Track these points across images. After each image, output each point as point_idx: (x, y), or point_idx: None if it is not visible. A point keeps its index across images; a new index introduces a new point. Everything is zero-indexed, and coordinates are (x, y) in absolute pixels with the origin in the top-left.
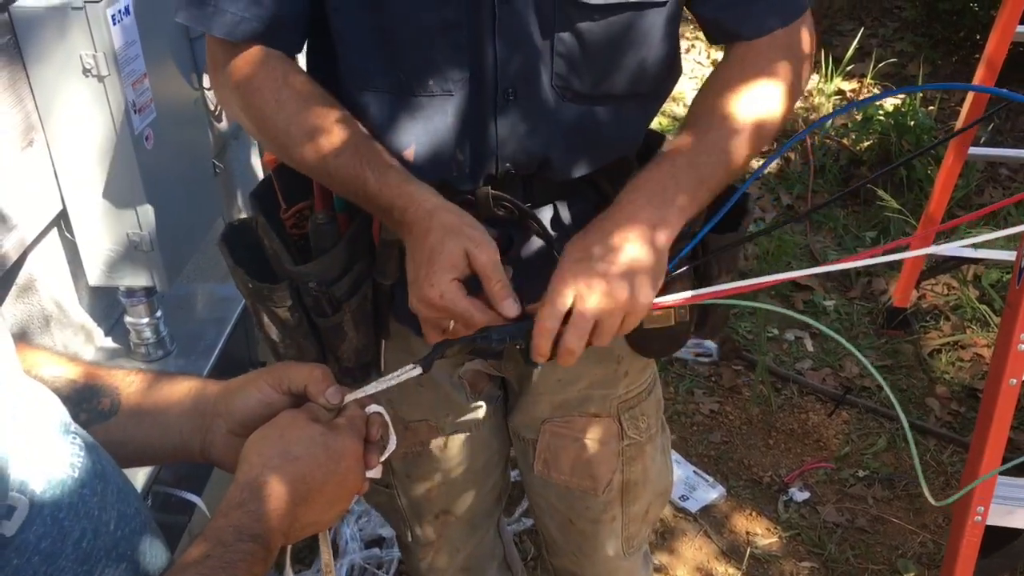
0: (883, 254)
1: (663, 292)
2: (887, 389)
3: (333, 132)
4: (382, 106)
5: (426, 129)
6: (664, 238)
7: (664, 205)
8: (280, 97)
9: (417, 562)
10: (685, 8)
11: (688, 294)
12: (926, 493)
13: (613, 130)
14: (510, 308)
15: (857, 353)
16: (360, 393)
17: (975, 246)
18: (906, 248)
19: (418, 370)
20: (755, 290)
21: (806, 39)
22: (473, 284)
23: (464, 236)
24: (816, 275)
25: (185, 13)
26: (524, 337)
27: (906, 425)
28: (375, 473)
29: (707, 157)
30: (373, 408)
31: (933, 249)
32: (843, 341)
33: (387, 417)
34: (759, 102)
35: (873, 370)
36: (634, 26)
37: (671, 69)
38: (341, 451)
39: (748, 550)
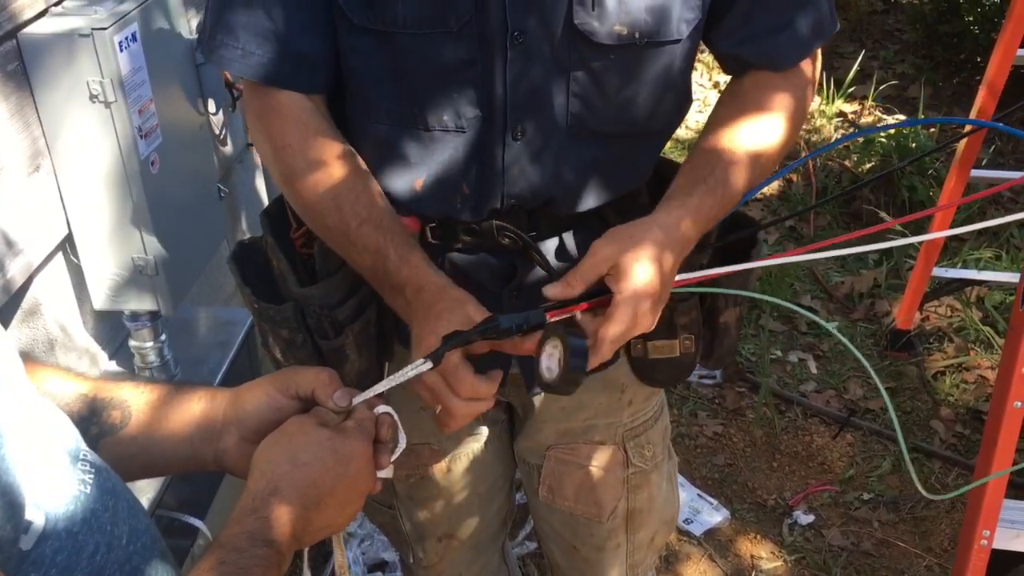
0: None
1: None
2: (888, 403)
3: (360, 202)
4: (392, 138)
5: (435, 162)
6: (690, 247)
7: (688, 241)
8: (311, 152)
9: None
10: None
11: (697, 274)
12: (917, 485)
13: (624, 166)
14: (490, 390)
15: (862, 359)
16: (369, 393)
17: (978, 268)
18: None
19: (428, 365)
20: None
21: (814, 67)
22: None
23: (471, 308)
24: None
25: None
26: (533, 325)
27: (898, 429)
28: (387, 473)
29: (728, 180)
30: (382, 408)
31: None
32: (852, 348)
33: (396, 417)
34: (772, 132)
35: (876, 377)
36: (649, 63)
37: (684, 102)
38: (350, 454)
39: (753, 574)
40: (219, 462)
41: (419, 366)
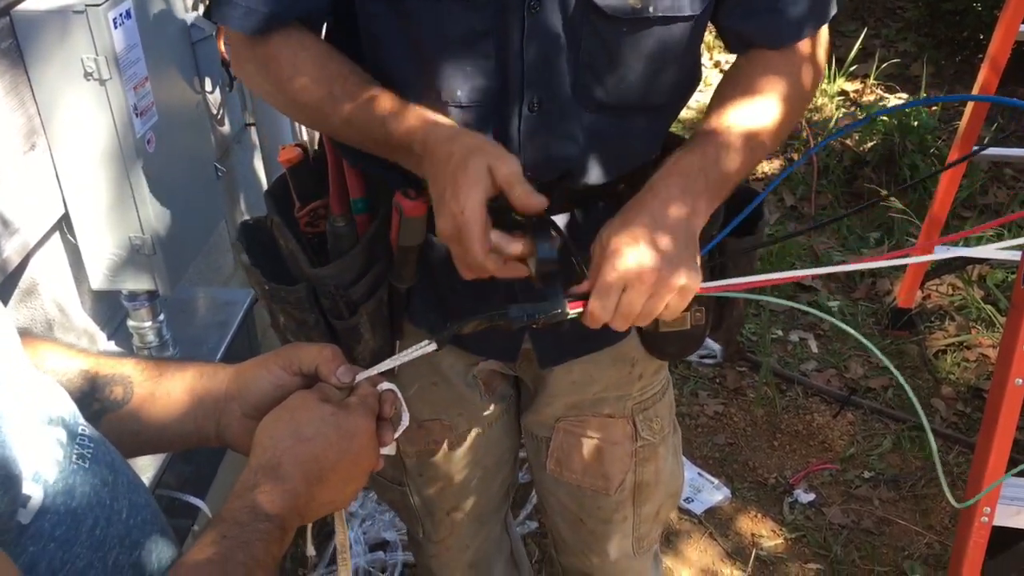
0: (905, 256)
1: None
2: (905, 386)
3: (350, 83)
4: None
5: None
6: (697, 225)
7: (696, 195)
8: (297, 59)
9: (428, 559)
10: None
11: (734, 281)
12: (949, 497)
13: (635, 140)
14: (539, 202)
15: (874, 348)
16: (372, 371)
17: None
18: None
19: (433, 346)
20: (781, 283)
21: (823, 46)
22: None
23: (486, 153)
24: (820, 277)
25: (216, 13)
26: (541, 315)
27: (927, 427)
28: (389, 450)
29: (732, 158)
30: (385, 385)
31: (950, 252)
32: (859, 336)
33: (399, 394)
34: (769, 112)
35: (888, 363)
36: (660, 38)
37: (693, 79)
38: (353, 430)
39: (753, 552)
40: (221, 438)
41: (423, 347)
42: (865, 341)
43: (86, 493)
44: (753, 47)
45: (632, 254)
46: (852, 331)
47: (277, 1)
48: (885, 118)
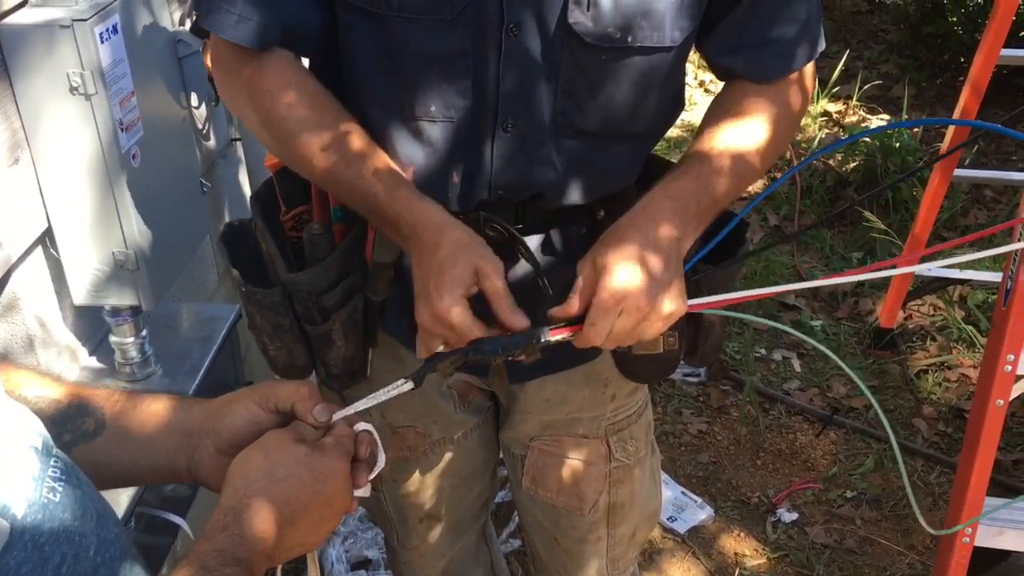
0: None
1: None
2: (877, 408)
3: (343, 141)
4: (385, 126)
5: (425, 152)
6: (685, 248)
7: (687, 219)
8: (290, 100)
9: (401, 565)
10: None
11: (721, 297)
12: (921, 522)
13: (611, 165)
14: (520, 322)
15: (849, 370)
16: (349, 410)
17: (961, 267)
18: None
19: (409, 385)
20: (764, 298)
21: (810, 76)
22: (475, 301)
23: (474, 253)
24: (804, 296)
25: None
26: (517, 348)
27: (896, 448)
28: (364, 492)
29: (722, 183)
30: (362, 426)
31: (932, 264)
32: (836, 359)
33: (376, 435)
34: (754, 142)
35: (865, 389)
36: (641, 67)
37: (675, 106)
38: (327, 472)
39: (736, 571)
40: (193, 474)
41: (400, 386)
42: (842, 363)
43: (54, 529)
44: (738, 78)
45: (627, 276)
46: (831, 354)
47: (269, 9)
48: (867, 139)
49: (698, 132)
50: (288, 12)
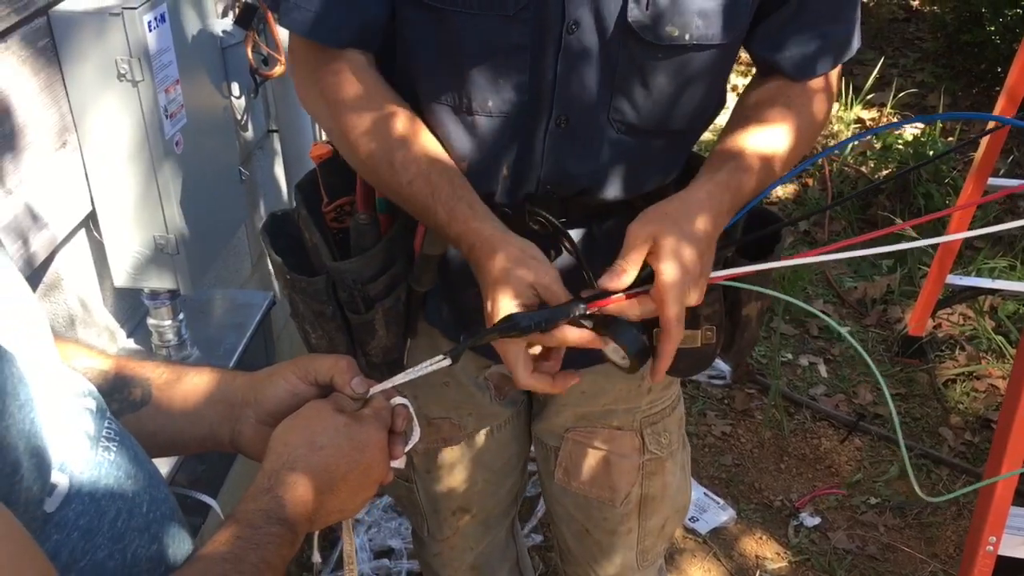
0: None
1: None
2: (891, 407)
3: (408, 155)
4: (441, 120)
5: (478, 146)
6: (715, 240)
7: (720, 213)
8: (363, 106)
9: (430, 557)
10: None
11: (735, 270)
12: (917, 490)
13: (659, 162)
14: (582, 339)
15: (869, 359)
16: (387, 384)
17: (991, 277)
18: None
19: (447, 361)
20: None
21: (836, 77)
22: None
23: (527, 267)
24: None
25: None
26: (551, 323)
27: (897, 426)
28: (399, 463)
29: (750, 180)
30: (398, 400)
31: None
32: (860, 349)
33: (412, 409)
34: (795, 136)
35: (883, 383)
36: (693, 64)
37: (719, 103)
38: (365, 441)
39: (757, 574)
40: (235, 443)
41: (438, 362)
42: (865, 355)
43: (110, 485)
44: (776, 73)
45: (683, 249)
46: (860, 349)
47: (346, 7)
48: (900, 146)
49: (729, 128)
50: (362, 8)
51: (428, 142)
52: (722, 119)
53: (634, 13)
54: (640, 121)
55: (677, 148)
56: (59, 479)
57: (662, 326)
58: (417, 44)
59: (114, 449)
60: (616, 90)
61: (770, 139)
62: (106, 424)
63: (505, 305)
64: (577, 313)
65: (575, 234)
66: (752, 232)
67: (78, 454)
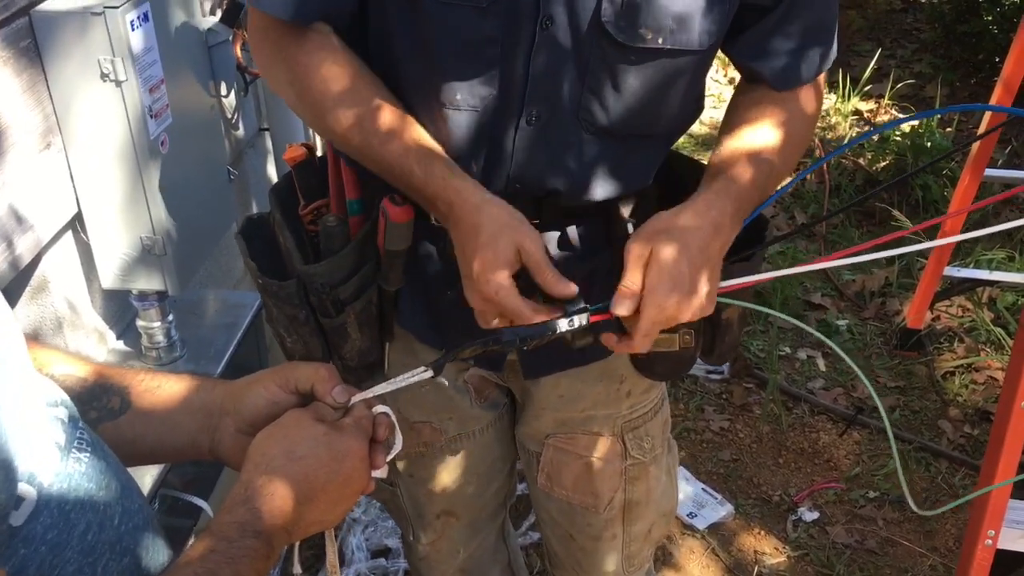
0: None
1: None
2: (881, 408)
3: (379, 117)
4: (413, 112)
5: (449, 140)
6: (723, 248)
7: (721, 225)
8: (327, 74)
9: (418, 560)
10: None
11: (737, 281)
12: (911, 504)
13: (628, 164)
14: (569, 289)
15: (860, 372)
16: (367, 393)
17: (989, 268)
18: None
19: (429, 373)
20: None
21: (823, 80)
22: (521, 277)
23: (515, 231)
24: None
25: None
26: (534, 338)
27: (889, 431)
28: (381, 473)
29: (753, 191)
30: (380, 408)
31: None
32: (849, 361)
33: (394, 418)
34: (791, 141)
35: (868, 385)
36: (667, 70)
37: (695, 109)
38: (345, 451)
39: (756, 569)
40: (215, 452)
41: (419, 373)
42: (856, 368)
43: (80, 497)
44: (761, 82)
45: (678, 276)
46: (845, 356)
47: None
48: (898, 138)
49: (722, 137)
50: None
51: (396, 105)
52: (697, 128)
53: (607, 12)
54: (610, 123)
55: (650, 153)
56: (26, 491)
57: (630, 329)
58: (390, 34)
59: (86, 460)
60: (587, 90)
61: (765, 146)
62: (78, 434)
63: (494, 275)
64: (557, 330)
65: (550, 236)
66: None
67: (47, 465)
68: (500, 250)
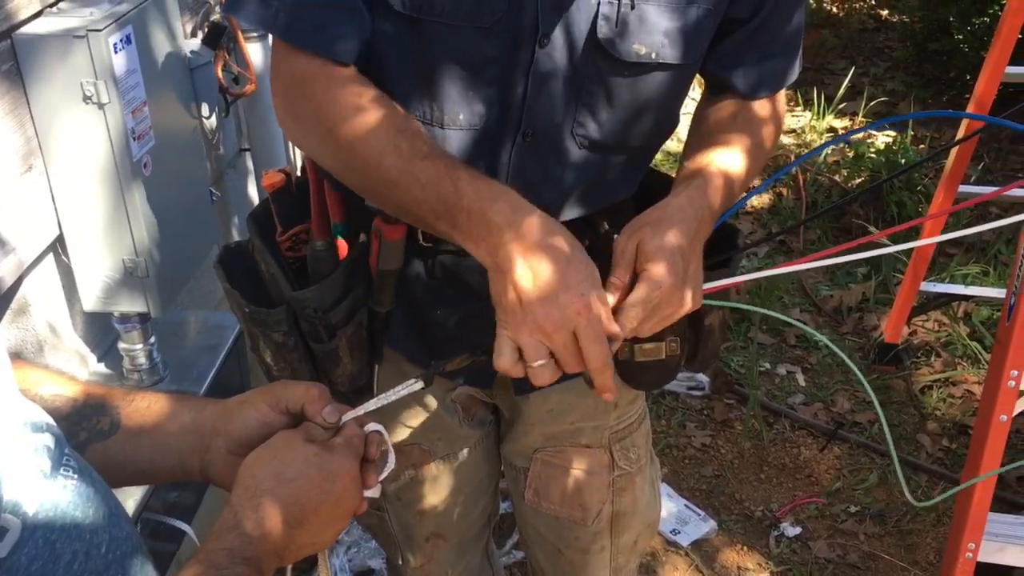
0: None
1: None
2: (879, 411)
3: (417, 139)
4: None
5: None
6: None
7: (702, 220)
8: (360, 103)
9: None
10: None
11: (734, 280)
12: (908, 497)
13: (618, 178)
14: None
15: (856, 369)
16: (359, 411)
17: (965, 283)
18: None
19: (419, 384)
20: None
21: (784, 103)
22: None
23: (563, 239)
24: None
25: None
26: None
27: (894, 456)
28: (374, 492)
29: (718, 199)
30: (372, 427)
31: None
32: (847, 360)
33: (386, 436)
34: (752, 149)
35: (869, 389)
36: (656, 83)
37: (674, 122)
38: (336, 471)
39: None
40: (205, 473)
41: (410, 386)
42: (856, 369)
43: (66, 526)
44: (728, 92)
45: (668, 267)
46: (844, 357)
47: (356, 25)
48: (872, 155)
49: (690, 148)
50: (363, 23)
51: (423, 131)
52: (675, 146)
53: (603, 30)
54: (602, 137)
55: (635, 165)
56: (10, 521)
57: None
58: (390, 57)
59: (72, 487)
60: (581, 105)
61: (735, 154)
62: (64, 460)
63: (586, 284)
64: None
65: None
66: (711, 242)
67: (32, 494)
68: (587, 263)
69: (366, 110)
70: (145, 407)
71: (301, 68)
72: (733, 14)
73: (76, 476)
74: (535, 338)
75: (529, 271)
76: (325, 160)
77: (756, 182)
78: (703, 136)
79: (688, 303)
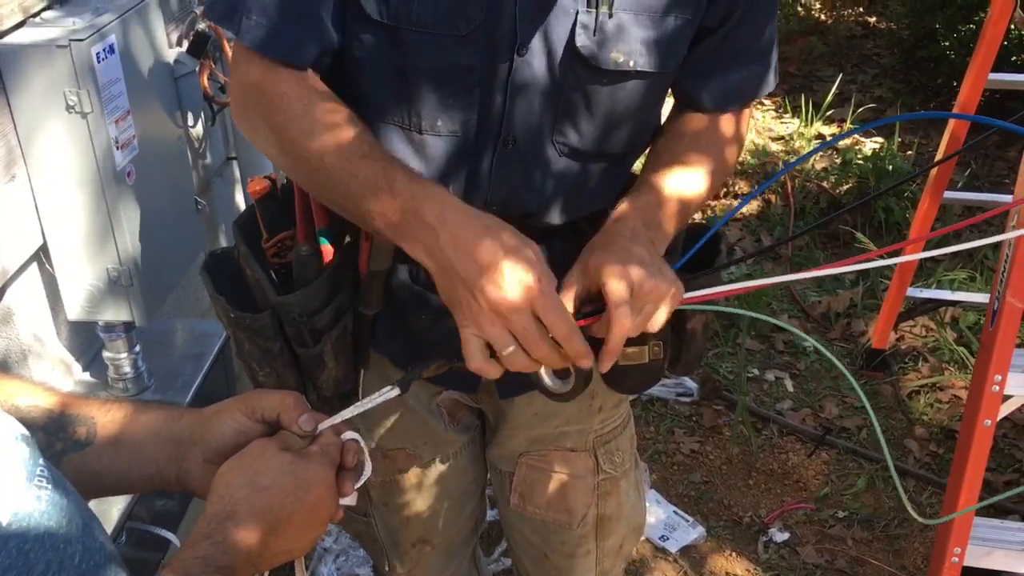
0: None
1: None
2: (874, 420)
3: (359, 138)
4: (389, 141)
5: (427, 166)
6: (660, 251)
7: (656, 230)
8: (310, 112)
9: None
10: None
11: (715, 289)
12: (911, 512)
13: (599, 185)
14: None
15: (847, 373)
16: (335, 419)
17: (951, 288)
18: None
19: (396, 391)
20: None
21: (748, 121)
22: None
23: (532, 251)
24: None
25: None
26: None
27: (891, 465)
28: (350, 500)
29: (672, 214)
30: (348, 435)
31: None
32: (838, 364)
33: (363, 444)
34: (717, 166)
35: (861, 392)
36: (634, 91)
37: (653, 129)
38: (311, 480)
39: None
40: (182, 482)
41: (386, 392)
42: (848, 374)
43: (39, 536)
44: (695, 104)
45: (632, 270)
46: (834, 359)
47: (318, 31)
48: (860, 162)
49: (653, 157)
50: (322, 28)
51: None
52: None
53: (582, 39)
54: (582, 144)
55: (616, 171)
56: None
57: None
58: (367, 64)
59: (46, 498)
60: (561, 113)
61: (694, 172)
62: (39, 471)
63: (533, 268)
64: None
65: None
66: (689, 247)
67: (4, 504)
68: (532, 247)
69: (314, 109)
70: (122, 417)
71: (256, 71)
72: (704, 22)
73: (50, 486)
74: (496, 326)
75: (472, 263)
76: (277, 160)
77: (746, 190)
78: (663, 150)
79: (665, 288)
